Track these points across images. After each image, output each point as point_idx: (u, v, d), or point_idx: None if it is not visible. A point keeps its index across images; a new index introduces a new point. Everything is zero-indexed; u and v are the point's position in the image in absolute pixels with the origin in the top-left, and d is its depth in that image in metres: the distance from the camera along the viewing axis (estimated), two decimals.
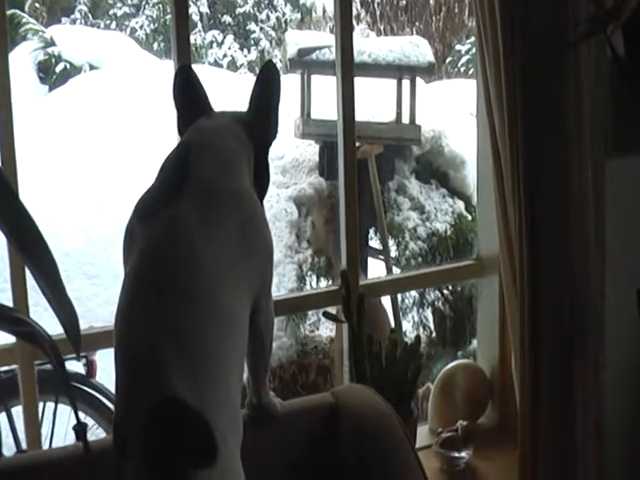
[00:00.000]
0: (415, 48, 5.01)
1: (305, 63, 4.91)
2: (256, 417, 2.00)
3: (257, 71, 2.01)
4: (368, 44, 5.06)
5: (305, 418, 2.10)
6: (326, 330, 4.98)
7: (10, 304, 2.21)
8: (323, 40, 4.91)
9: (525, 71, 2.50)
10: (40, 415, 3.69)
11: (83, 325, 2.61)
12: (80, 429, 1.80)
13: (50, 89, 8.04)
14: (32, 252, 1.46)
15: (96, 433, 3.93)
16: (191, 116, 1.94)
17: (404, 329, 4.92)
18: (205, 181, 1.79)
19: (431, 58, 5.09)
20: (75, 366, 4.12)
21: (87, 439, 1.79)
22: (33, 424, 2.45)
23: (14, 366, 2.46)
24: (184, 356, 1.58)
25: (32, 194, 5.49)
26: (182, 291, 1.65)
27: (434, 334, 5.27)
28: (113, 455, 1.57)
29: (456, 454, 2.71)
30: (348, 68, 2.71)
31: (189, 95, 1.97)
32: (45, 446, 3.06)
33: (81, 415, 3.97)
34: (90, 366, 4.09)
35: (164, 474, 1.49)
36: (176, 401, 1.53)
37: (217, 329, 1.65)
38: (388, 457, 2.00)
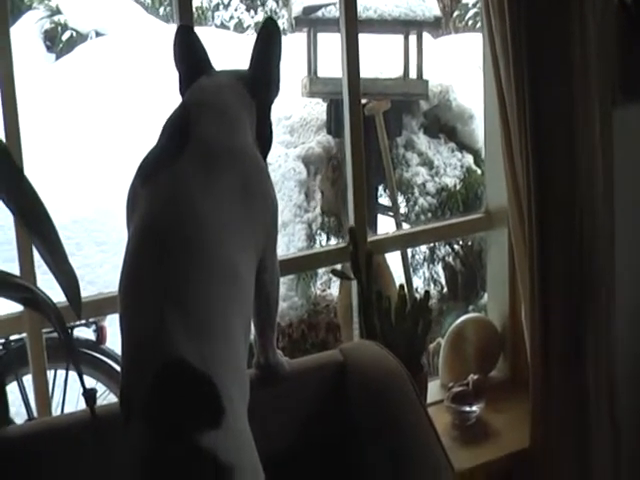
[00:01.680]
0: (421, 2, 4.98)
1: (311, 21, 4.89)
2: (264, 377, 1.99)
3: None
4: (374, 0, 5.01)
5: (313, 376, 2.09)
6: (337, 289, 4.97)
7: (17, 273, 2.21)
8: None
9: (530, 20, 2.46)
10: (52, 383, 3.75)
11: (93, 291, 2.62)
12: (87, 395, 1.80)
13: (57, 57, 8.00)
14: (32, 218, 1.46)
15: (108, 398, 3.95)
16: (192, 76, 1.92)
17: (415, 285, 4.92)
18: (206, 140, 1.77)
19: (437, 12, 5.05)
20: (85, 332, 4.14)
21: (94, 405, 1.79)
22: (43, 392, 2.44)
23: (24, 335, 2.46)
24: (188, 317, 1.57)
25: (40, 163, 5.51)
26: (185, 252, 1.64)
27: (445, 289, 5.27)
28: (120, 419, 1.56)
29: (467, 408, 2.70)
30: (352, 25, 2.68)
31: (189, 55, 1.95)
32: (57, 414, 3.06)
33: (92, 381, 3.99)
34: (100, 332, 4.11)
35: (169, 436, 1.48)
36: (181, 363, 1.52)
37: (221, 289, 1.64)
38: (397, 413, 1.99)
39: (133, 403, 1.54)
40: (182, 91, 1.94)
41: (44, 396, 2.45)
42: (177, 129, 1.81)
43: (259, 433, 1.60)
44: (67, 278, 1.47)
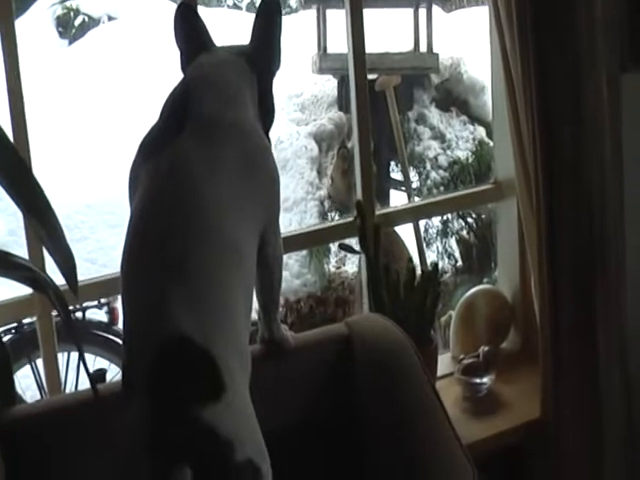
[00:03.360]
0: None
1: None
2: (268, 351, 1.99)
3: None
4: None
5: (319, 350, 2.09)
6: (352, 266, 4.97)
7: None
8: None
9: None
10: (65, 365, 3.76)
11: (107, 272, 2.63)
12: (90, 374, 1.81)
13: (70, 43, 8.01)
14: (27, 198, 1.46)
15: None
16: (193, 53, 1.92)
17: (429, 259, 4.90)
18: (206, 116, 1.77)
19: None
20: (98, 314, 4.16)
21: (95, 383, 1.80)
22: (53, 374, 2.46)
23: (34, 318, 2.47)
24: (189, 293, 1.57)
25: (54, 148, 5.52)
26: (185, 228, 1.64)
27: (459, 263, 5.25)
28: (122, 397, 1.57)
29: (477, 380, 2.69)
30: (356, 0, 2.66)
31: (190, 32, 1.94)
32: None
33: (105, 362, 4.01)
34: (112, 313, 4.13)
35: (170, 410, 1.48)
36: (182, 339, 1.52)
37: (223, 264, 1.63)
38: (402, 386, 1.98)
39: (135, 378, 1.54)
40: (183, 68, 1.94)
41: (55, 378, 2.46)
42: (178, 105, 1.81)
43: (264, 408, 1.60)
44: (63, 256, 1.47)
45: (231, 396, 1.51)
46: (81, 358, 1.73)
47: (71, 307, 1.83)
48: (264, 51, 1.94)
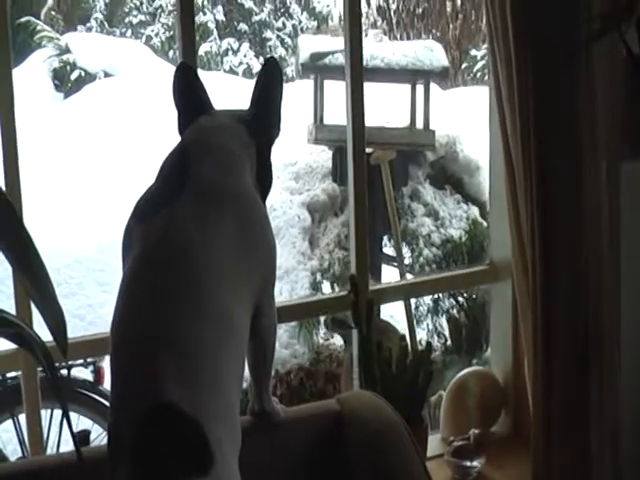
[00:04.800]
0: (429, 52, 4.98)
1: (318, 68, 4.89)
2: (258, 424, 1.95)
3: None
4: (381, 48, 5.03)
5: (309, 425, 2.04)
6: (340, 339, 4.93)
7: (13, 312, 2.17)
8: (336, 45, 4.87)
9: (537, 72, 2.45)
10: (48, 422, 3.69)
11: (94, 332, 2.59)
12: (75, 437, 1.75)
13: (65, 96, 8.05)
14: (19, 255, 1.42)
15: (105, 440, 3.88)
16: (191, 115, 1.89)
17: (419, 337, 4.87)
18: (205, 181, 1.74)
19: (445, 62, 5.05)
20: (83, 373, 4.10)
21: (81, 447, 1.74)
22: (36, 431, 2.42)
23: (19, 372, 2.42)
24: (180, 361, 1.53)
25: (45, 201, 5.51)
26: (178, 295, 1.60)
27: (449, 342, 5.22)
28: (107, 462, 1.52)
29: (468, 463, 2.65)
30: (358, 72, 2.67)
31: (189, 93, 1.92)
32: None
33: (88, 422, 3.94)
34: (98, 373, 4.07)
35: None
36: (171, 407, 1.48)
37: (215, 333, 1.59)
38: (394, 466, 1.94)
39: (120, 444, 1.50)
40: (181, 129, 1.91)
41: (37, 435, 2.42)
42: (175, 169, 1.78)
43: None
44: (53, 315, 1.42)
45: (220, 469, 1.47)
46: (66, 419, 1.68)
47: (56, 364, 1.78)
48: (264, 118, 1.92)
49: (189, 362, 1.54)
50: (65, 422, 3.49)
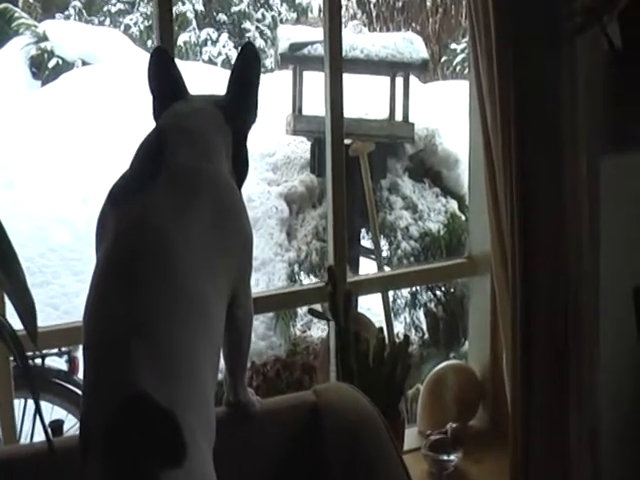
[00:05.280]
0: (409, 44, 4.97)
1: (297, 58, 4.86)
2: (233, 415, 1.93)
3: None
4: (361, 40, 5.00)
5: (285, 417, 2.02)
6: (317, 331, 4.91)
7: None
8: (315, 36, 4.84)
9: (518, 66, 2.43)
10: (22, 411, 3.65)
11: (69, 320, 2.56)
12: (45, 426, 1.73)
13: (42, 84, 7.98)
14: None
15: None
16: (167, 100, 1.86)
17: (396, 330, 4.86)
18: (180, 167, 1.71)
19: (425, 54, 5.04)
20: (58, 362, 4.06)
21: (50, 437, 1.72)
22: (9, 421, 2.40)
23: None
24: (153, 351, 1.51)
25: (21, 188, 5.45)
26: (152, 283, 1.58)
27: (426, 335, 5.22)
28: (78, 453, 1.49)
29: (445, 457, 2.64)
30: (337, 63, 2.65)
31: (164, 78, 1.88)
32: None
33: (62, 412, 3.90)
34: (72, 362, 4.04)
35: (128, 473, 1.41)
36: (144, 397, 1.46)
37: (189, 322, 1.57)
38: (370, 458, 1.92)
39: (92, 434, 1.48)
40: (156, 115, 1.88)
41: (10, 425, 2.40)
42: (150, 154, 1.75)
43: (229, 473, 1.55)
44: (23, 302, 1.40)
45: (194, 461, 1.45)
46: (37, 408, 1.65)
47: (30, 353, 1.76)
48: (241, 103, 1.89)
49: (163, 352, 1.52)
50: (47, 412, 3.46)
